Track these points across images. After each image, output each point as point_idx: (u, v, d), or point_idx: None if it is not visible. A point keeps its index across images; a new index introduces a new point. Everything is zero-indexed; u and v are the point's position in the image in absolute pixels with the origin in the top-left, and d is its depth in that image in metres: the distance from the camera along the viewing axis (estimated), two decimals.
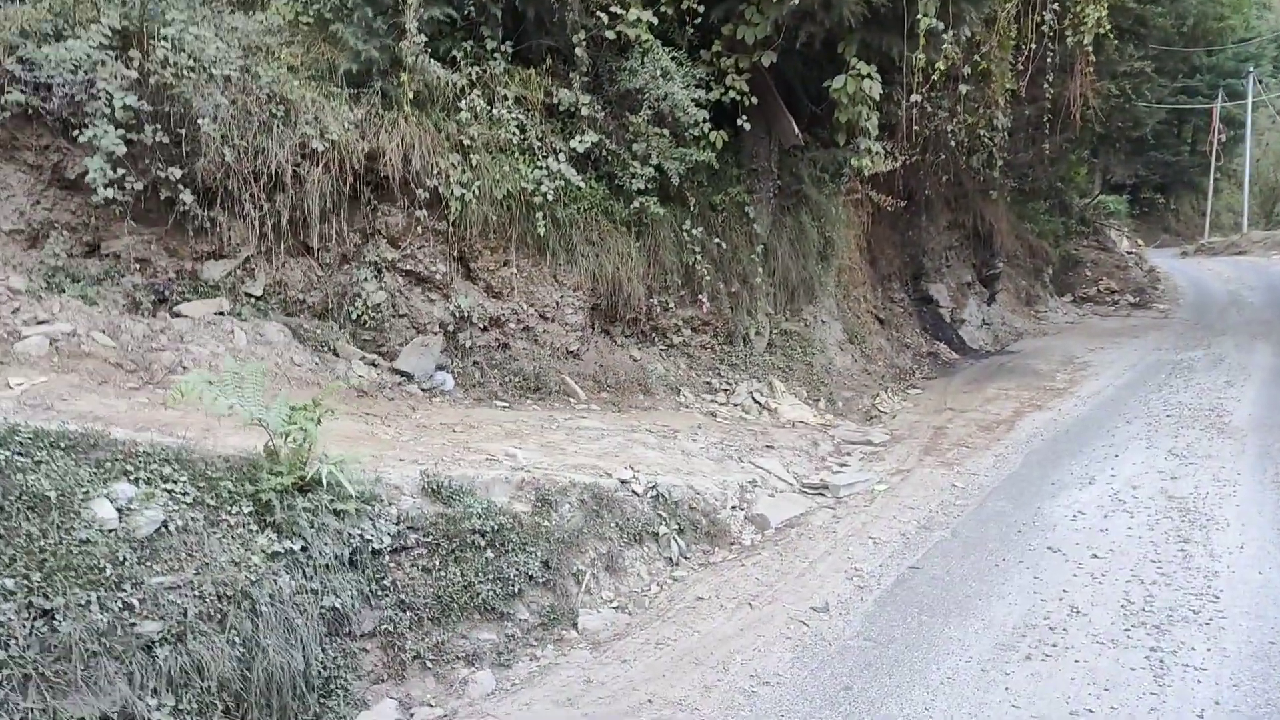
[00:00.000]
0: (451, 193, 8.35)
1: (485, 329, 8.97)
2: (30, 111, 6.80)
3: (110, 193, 6.71)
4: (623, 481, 6.62)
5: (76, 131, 6.72)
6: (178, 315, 7.31)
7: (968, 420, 11.02)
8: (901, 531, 7.09)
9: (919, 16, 9.52)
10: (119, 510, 4.13)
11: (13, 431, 4.21)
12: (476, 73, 8.80)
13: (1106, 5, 13.40)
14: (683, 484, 7.07)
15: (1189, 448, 9.15)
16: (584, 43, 9.11)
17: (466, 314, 8.75)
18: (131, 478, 4.32)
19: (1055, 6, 13.03)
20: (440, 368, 8.47)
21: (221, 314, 7.53)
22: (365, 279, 8.31)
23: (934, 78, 10.79)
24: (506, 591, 5.37)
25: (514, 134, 8.85)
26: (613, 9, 8.96)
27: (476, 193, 8.47)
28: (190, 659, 4.00)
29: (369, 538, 4.93)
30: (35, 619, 3.65)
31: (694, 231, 10.34)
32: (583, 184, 9.16)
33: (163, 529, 4.20)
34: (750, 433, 9.28)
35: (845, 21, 9.31)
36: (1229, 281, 27.22)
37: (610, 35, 9.04)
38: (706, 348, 11.04)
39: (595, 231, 9.57)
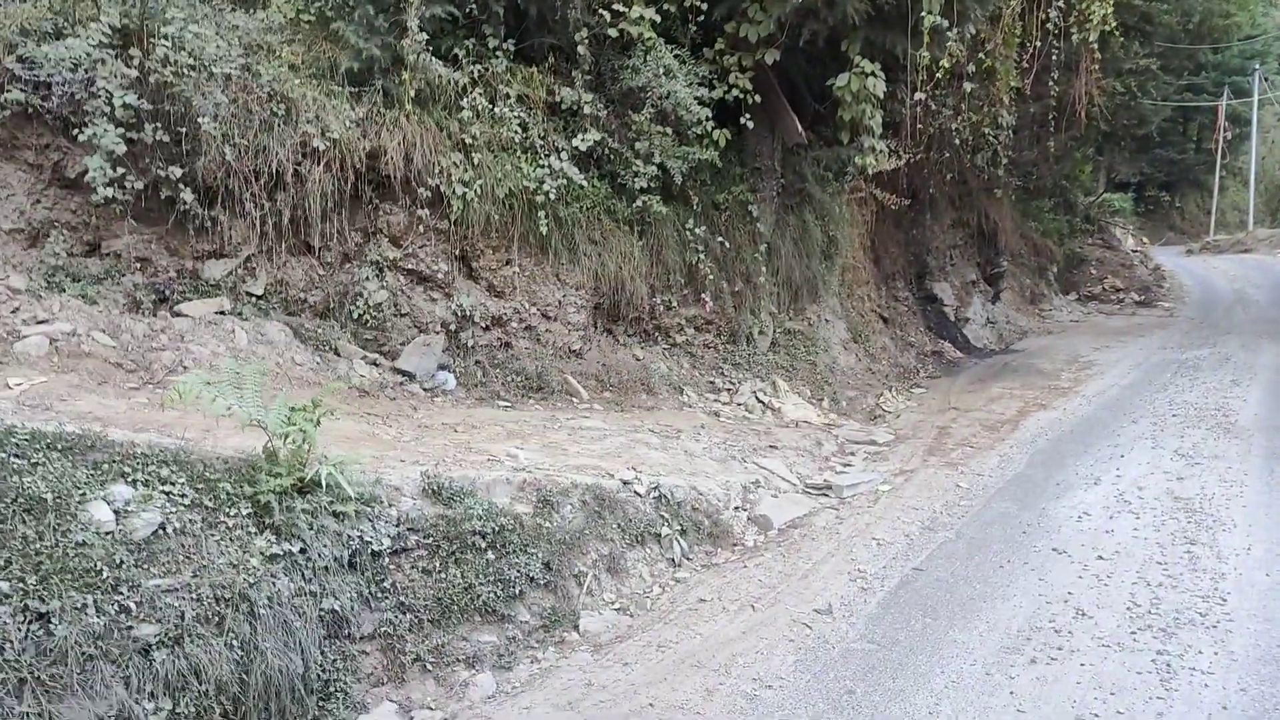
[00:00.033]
0: (453, 191, 8.32)
1: (487, 328, 8.94)
2: (30, 110, 6.78)
3: (110, 192, 6.69)
4: (625, 482, 6.58)
5: (76, 130, 6.70)
6: (178, 315, 7.29)
7: (972, 420, 10.96)
8: (905, 533, 7.04)
9: (923, 14, 9.46)
10: (116, 512, 4.09)
11: (9, 433, 4.19)
12: (478, 71, 8.76)
13: (1112, 2, 13.30)
14: (685, 484, 7.03)
15: (1195, 448, 9.08)
16: (586, 40, 9.07)
17: (468, 313, 8.72)
18: (129, 479, 4.29)
19: (1060, 3, 12.94)
20: (442, 367, 8.44)
21: (222, 313, 7.51)
22: (367, 278, 8.28)
23: (938, 75, 10.71)
24: (507, 593, 5.33)
25: (516, 132, 8.82)
26: (615, 7, 8.91)
27: (478, 191, 8.43)
28: (188, 662, 3.96)
29: (369, 539, 4.90)
30: (31, 622, 3.62)
31: (697, 230, 10.30)
32: (585, 183, 9.12)
33: (160, 531, 4.17)
34: (754, 433, 9.23)
35: (849, 19, 9.26)
36: (1235, 280, 27.13)
37: (613, 33, 8.99)
38: (710, 347, 11.00)
39: (598, 230, 9.53)
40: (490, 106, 8.72)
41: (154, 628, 3.93)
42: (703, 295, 10.58)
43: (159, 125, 6.89)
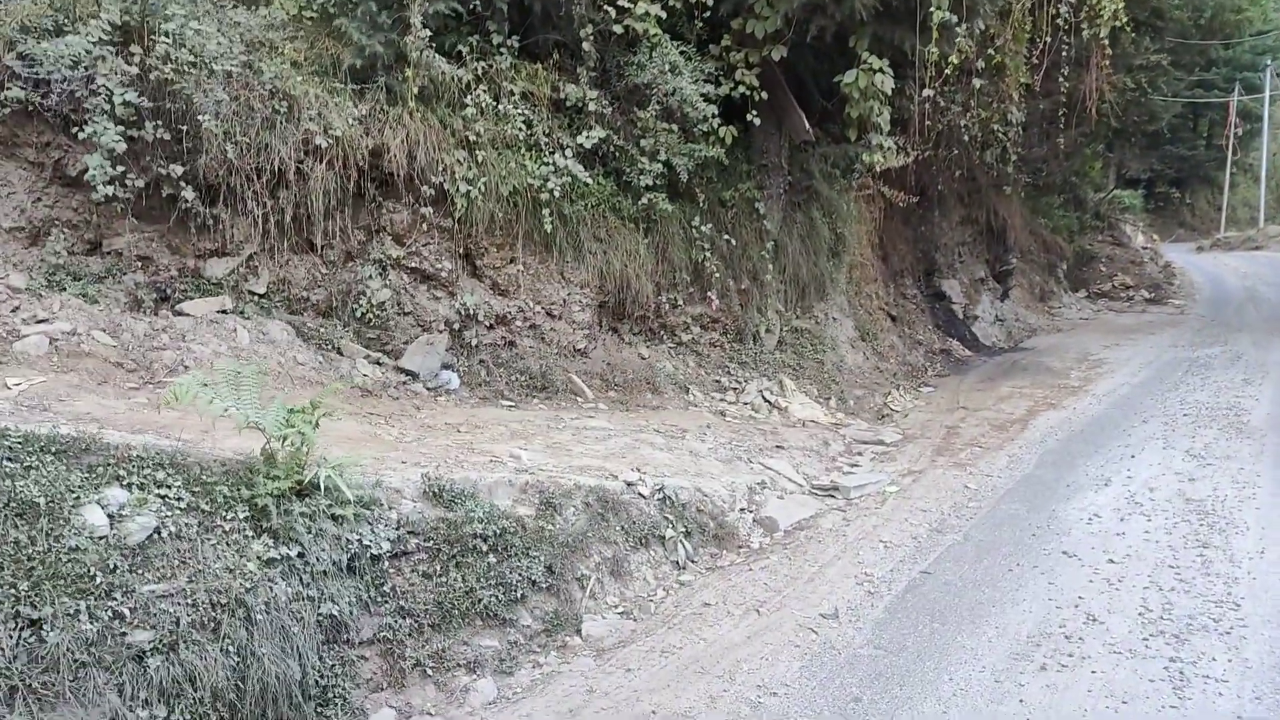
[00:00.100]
0: (457, 189, 8.25)
1: (491, 327, 8.87)
2: (30, 108, 6.72)
3: (111, 190, 6.64)
4: (629, 483, 6.51)
5: (77, 128, 6.65)
6: (180, 314, 7.24)
7: (981, 419, 10.86)
8: (913, 535, 6.95)
9: (932, 9, 9.33)
10: (110, 516, 4.03)
11: (2, 435, 4.13)
12: (482, 68, 8.68)
13: None
14: (690, 486, 6.95)
15: (1207, 448, 8.96)
16: (591, 37, 8.97)
17: (472, 312, 8.66)
18: (124, 483, 4.22)
19: None
20: (446, 366, 8.38)
21: (224, 312, 7.45)
22: (370, 276, 8.22)
23: (947, 72, 10.58)
24: (509, 597, 5.26)
25: (520, 130, 8.74)
26: (620, 3, 8.81)
27: (482, 189, 8.36)
28: (183, 669, 3.89)
29: (368, 543, 4.83)
30: (22, 629, 3.56)
31: (703, 228, 10.21)
32: (590, 180, 9.05)
33: (155, 535, 4.11)
34: (760, 432, 9.15)
35: (856, 15, 9.16)
36: (1245, 277, 26.93)
37: (618, 30, 8.90)
38: (716, 345, 10.92)
39: (603, 228, 9.46)
40: (494, 103, 8.64)
41: (148, 634, 3.87)
42: (709, 293, 10.49)
43: (160, 123, 6.83)
